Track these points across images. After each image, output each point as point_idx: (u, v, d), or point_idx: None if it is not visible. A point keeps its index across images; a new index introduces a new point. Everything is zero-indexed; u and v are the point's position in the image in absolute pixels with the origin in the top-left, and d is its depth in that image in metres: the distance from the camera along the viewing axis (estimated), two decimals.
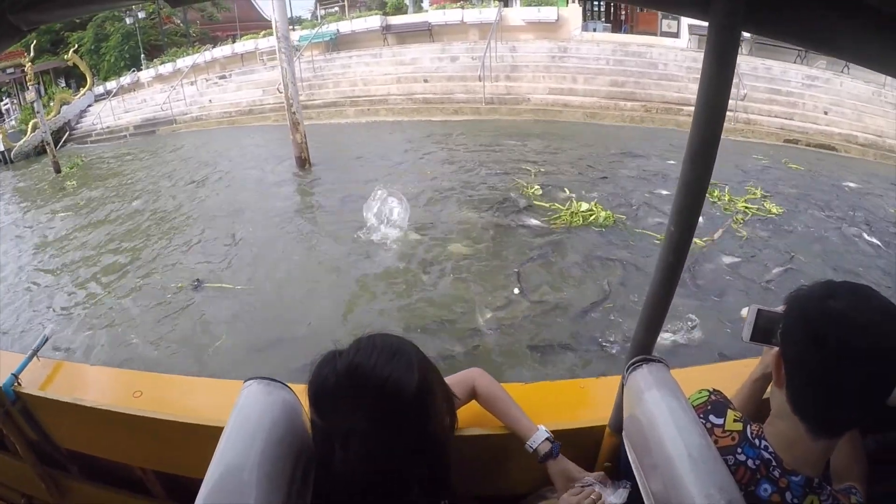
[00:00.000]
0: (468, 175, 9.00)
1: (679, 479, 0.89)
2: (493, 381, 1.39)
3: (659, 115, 12.62)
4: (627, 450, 1.12)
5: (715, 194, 7.65)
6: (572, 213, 7.01)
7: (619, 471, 1.29)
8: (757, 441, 0.98)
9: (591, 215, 6.91)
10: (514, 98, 13.77)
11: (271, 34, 18.45)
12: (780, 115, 12.43)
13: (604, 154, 10.18)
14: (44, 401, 1.59)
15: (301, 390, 0.97)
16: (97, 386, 1.76)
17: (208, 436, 0.94)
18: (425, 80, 14.90)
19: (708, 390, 1.12)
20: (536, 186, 8.06)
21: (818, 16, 0.77)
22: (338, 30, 17.61)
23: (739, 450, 0.98)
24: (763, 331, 1.11)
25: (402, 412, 0.89)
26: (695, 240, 5.27)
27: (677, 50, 14.57)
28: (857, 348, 0.82)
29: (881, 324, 0.83)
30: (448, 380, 1.16)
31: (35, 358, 1.69)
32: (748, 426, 1.01)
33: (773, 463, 0.94)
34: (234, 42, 20.55)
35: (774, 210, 7.34)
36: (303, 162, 10.26)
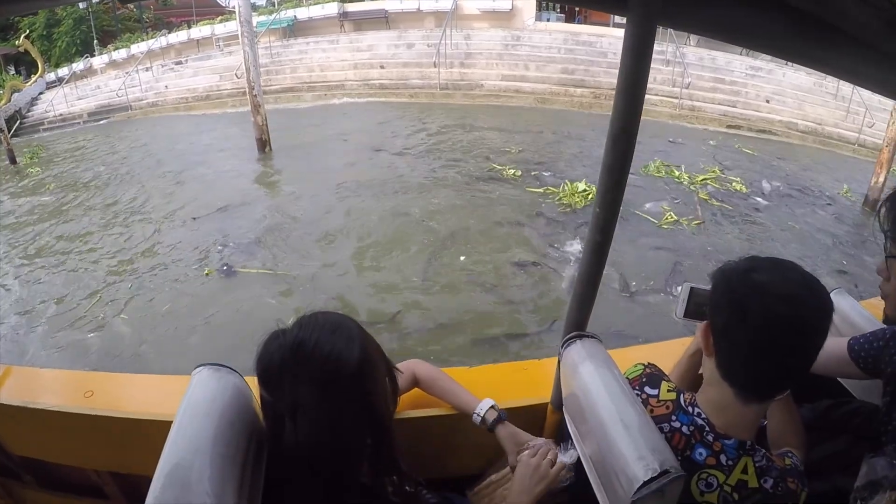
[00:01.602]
0: (445, 158, 9.21)
1: (614, 445, 0.93)
2: (434, 367, 1.43)
3: (607, 102, 12.98)
4: (568, 422, 1.16)
5: (676, 174, 8.05)
6: (572, 193, 7.12)
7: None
8: (690, 408, 1.01)
9: (588, 195, 7.04)
10: (468, 84, 14.07)
11: (227, 20, 18.43)
12: (723, 102, 13.02)
13: (561, 137, 10.58)
14: None
15: (252, 379, 0.98)
16: (47, 388, 1.69)
17: (162, 431, 0.93)
18: (382, 67, 15.08)
19: (643, 364, 1.15)
20: (514, 170, 8.25)
21: (729, 10, 0.82)
22: (295, 16, 17.53)
23: (674, 417, 1.01)
24: (696, 308, 1.18)
25: (344, 384, 0.92)
26: (686, 220, 6.03)
27: None
28: (779, 317, 0.87)
29: (801, 295, 0.88)
30: None
31: None
32: (681, 395, 1.05)
33: (707, 428, 0.98)
34: (189, 28, 20.22)
35: (738, 186, 7.86)
36: (263, 144, 10.44)
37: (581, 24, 16.89)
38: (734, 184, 7.94)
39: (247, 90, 10.44)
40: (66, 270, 6.28)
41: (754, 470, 0.96)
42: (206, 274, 5.75)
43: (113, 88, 17.76)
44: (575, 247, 5.92)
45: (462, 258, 5.72)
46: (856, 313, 1.48)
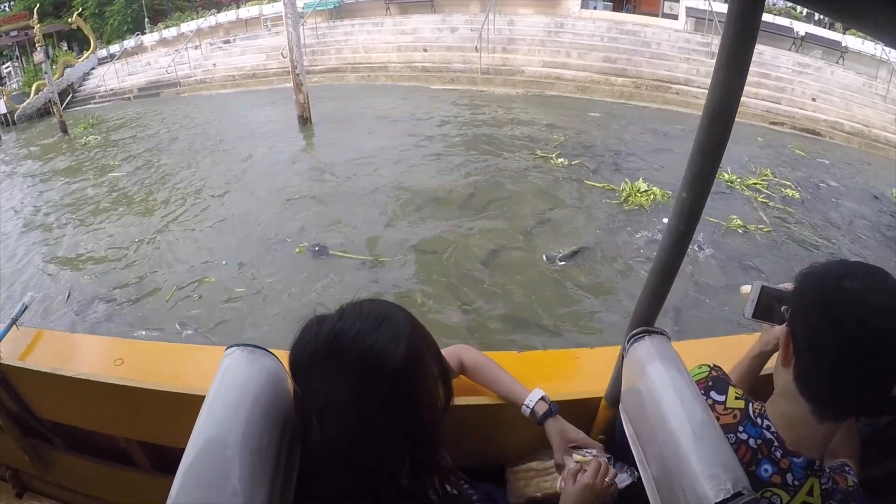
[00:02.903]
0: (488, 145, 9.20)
1: (682, 457, 0.85)
2: (481, 353, 1.35)
3: (648, 92, 12.94)
4: (625, 423, 1.09)
5: (725, 177, 7.73)
6: (634, 192, 6.85)
7: (614, 445, 1.26)
8: (759, 420, 0.95)
9: (651, 195, 6.78)
10: (509, 69, 14.10)
11: (275, 0, 18.72)
12: (767, 98, 12.69)
13: (610, 129, 10.40)
14: (23, 371, 1.54)
15: (286, 357, 0.91)
16: (78, 354, 1.71)
17: (192, 405, 0.90)
18: (425, 50, 15.25)
19: (708, 365, 1.08)
20: (562, 159, 8.14)
21: None
22: None
23: (741, 428, 0.95)
24: (766, 308, 1.08)
25: (384, 385, 0.83)
26: (753, 226, 5.79)
27: (671, 31, 14.86)
28: (872, 329, 0.79)
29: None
30: None
31: (14, 327, 1.64)
32: (750, 404, 0.98)
33: (776, 443, 0.92)
34: (238, 8, 20.74)
35: (791, 192, 7.52)
36: (304, 120, 10.84)
37: (630, 13, 16.72)
38: (788, 190, 7.63)
39: (290, 69, 10.82)
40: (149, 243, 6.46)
41: (820, 492, 0.90)
42: (298, 251, 5.77)
43: (163, 65, 18.34)
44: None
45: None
46: None
